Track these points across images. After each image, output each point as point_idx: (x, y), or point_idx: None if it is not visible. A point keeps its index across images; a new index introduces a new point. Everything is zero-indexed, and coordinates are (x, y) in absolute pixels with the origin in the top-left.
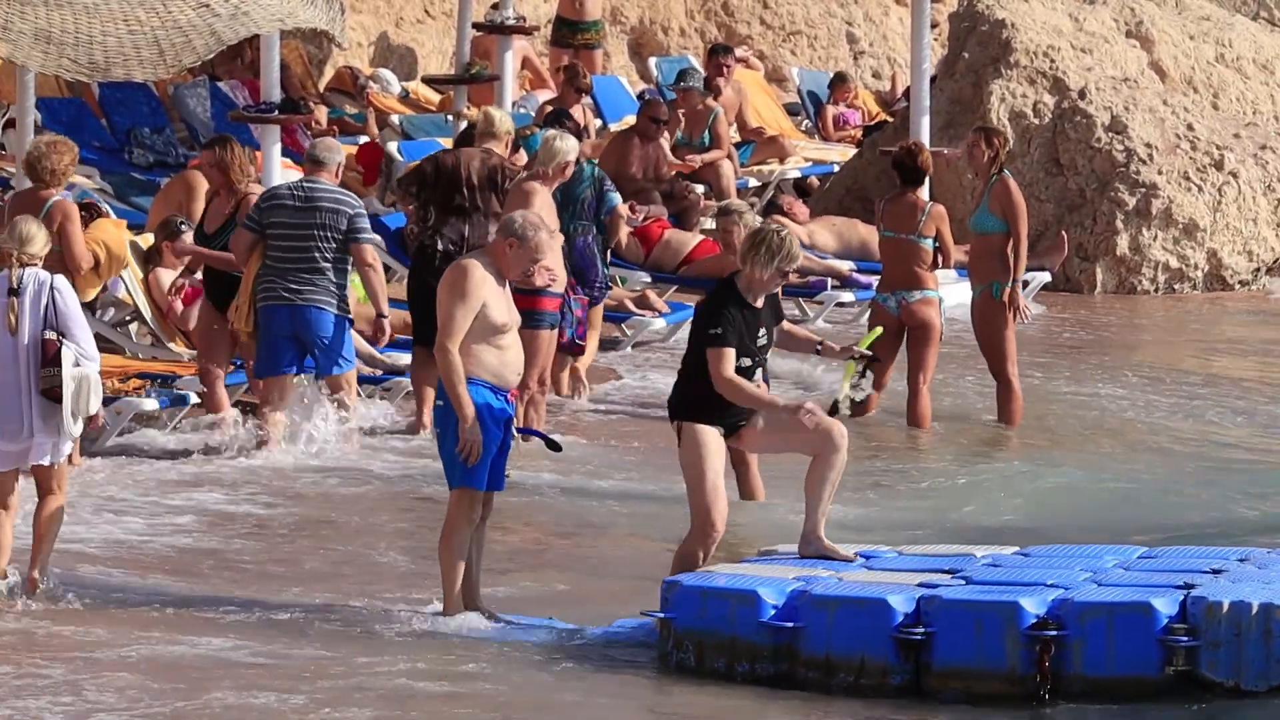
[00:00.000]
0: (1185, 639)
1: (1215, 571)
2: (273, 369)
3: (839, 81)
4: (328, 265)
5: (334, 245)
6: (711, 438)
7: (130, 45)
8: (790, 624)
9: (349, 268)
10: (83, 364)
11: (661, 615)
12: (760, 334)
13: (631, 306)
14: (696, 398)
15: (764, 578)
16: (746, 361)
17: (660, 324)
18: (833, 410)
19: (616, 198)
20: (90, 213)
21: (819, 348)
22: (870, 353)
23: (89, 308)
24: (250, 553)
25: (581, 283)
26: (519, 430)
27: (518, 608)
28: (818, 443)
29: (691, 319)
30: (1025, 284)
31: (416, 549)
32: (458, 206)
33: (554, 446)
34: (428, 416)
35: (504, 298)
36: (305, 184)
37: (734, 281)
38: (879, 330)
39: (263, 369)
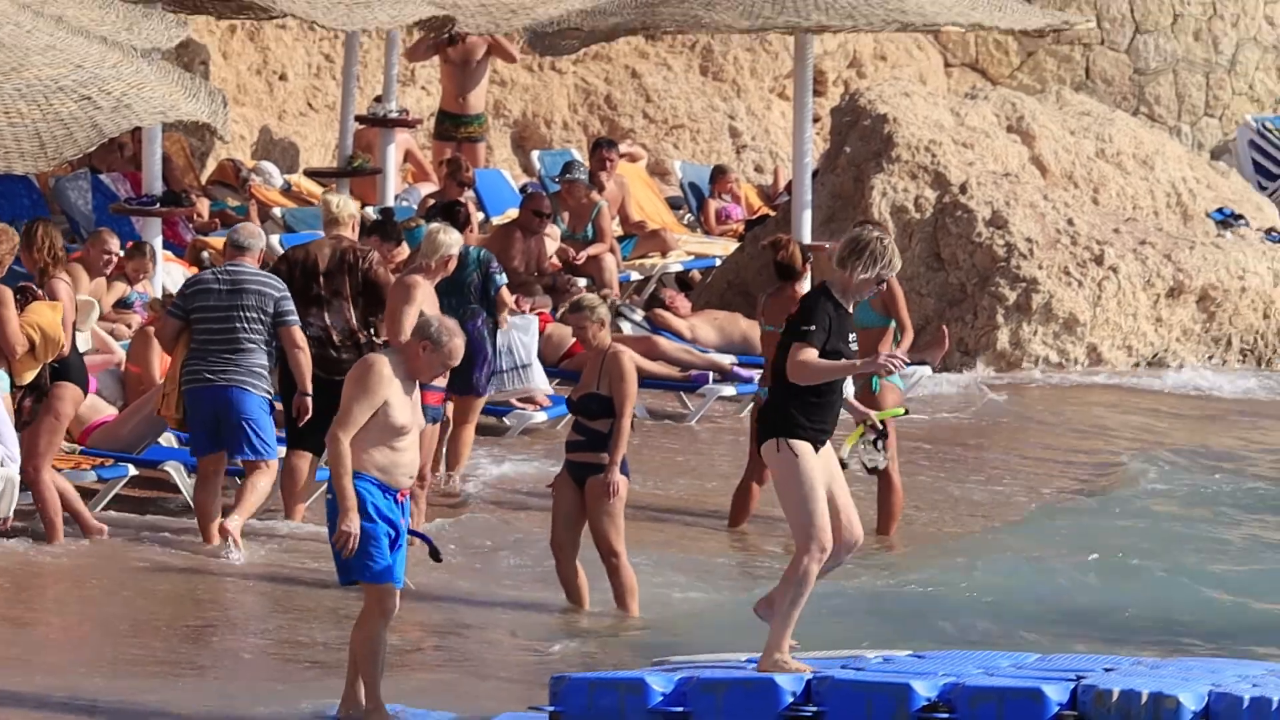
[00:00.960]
0: None
1: (1107, 670)
2: (201, 449)
3: (719, 173)
4: (253, 347)
5: (259, 328)
6: (809, 453)
7: (11, 138)
8: (679, 709)
9: (272, 351)
10: (7, 464)
11: (550, 709)
12: (851, 338)
13: (513, 400)
14: (791, 414)
15: (650, 669)
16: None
17: (541, 417)
18: (842, 466)
19: (502, 278)
20: (25, 296)
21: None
22: (882, 426)
23: None
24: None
25: (472, 366)
26: (410, 533)
27: (404, 699)
28: (796, 534)
29: (783, 331)
30: (906, 378)
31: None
32: (315, 296)
33: (436, 556)
34: (299, 510)
35: (408, 400)
36: (229, 268)
37: (828, 287)
38: (902, 410)
39: (195, 450)
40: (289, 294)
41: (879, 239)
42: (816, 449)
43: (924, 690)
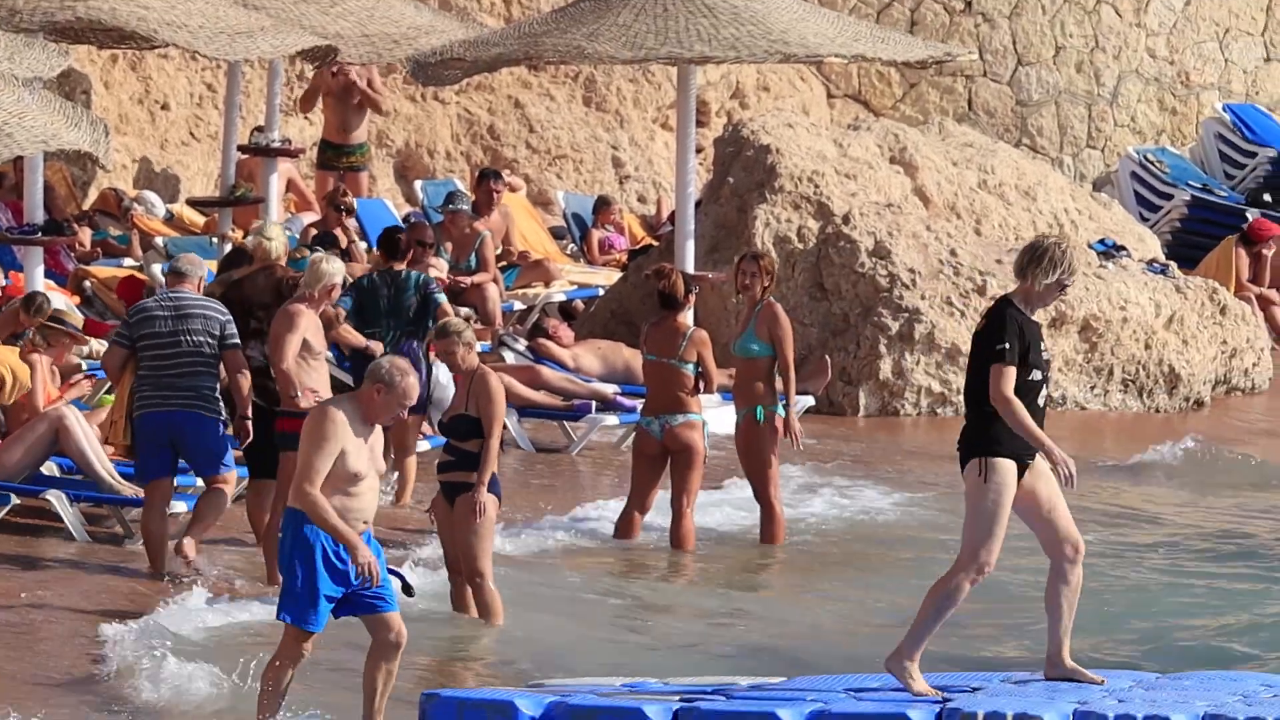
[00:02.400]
0: None
1: (975, 689)
2: (150, 475)
3: (603, 205)
4: (201, 370)
5: (205, 352)
6: (1011, 475)
7: None
8: None
9: (217, 373)
10: None
11: None
12: (1044, 346)
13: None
14: (992, 433)
15: (520, 691)
16: (1037, 375)
17: (424, 446)
18: None
19: (442, 297)
20: None
21: None
22: None
23: None
24: None
25: None
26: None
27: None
28: (1056, 544)
29: (971, 347)
30: (788, 407)
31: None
32: (254, 330)
33: (408, 591)
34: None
35: (364, 446)
36: (171, 295)
37: (1011, 300)
38: None
39: (143, 476)
40: (232, 318)
41: (1057, 244)
42: (1023, 464)
43: (790, 718)
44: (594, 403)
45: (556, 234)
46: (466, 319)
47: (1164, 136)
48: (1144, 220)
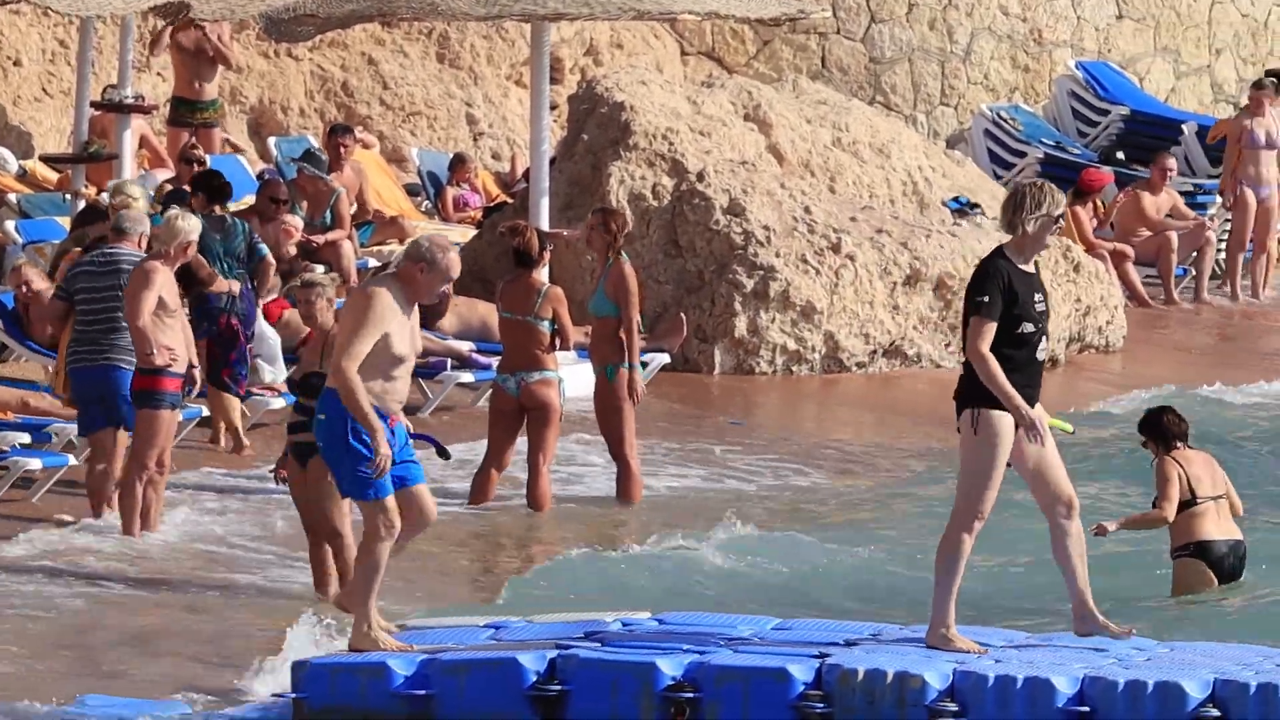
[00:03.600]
0: (820, 706)
1: (849, 643)
2: (90, 427)
3: (458, 162)
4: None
5: None
6: (1005, 425)
7: None
8: (422, 692)
9: None
10: None
11: (293, 695)
12: (1038, 298)
13: (254, 388)
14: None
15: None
16: (1029, 327)
17: (280, 403)
18: None
19: (265, 249)
20: None
21: None
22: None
23: None
24: None
25: (244, 325)
26: (413, 435)
27: (144, 690)
28: (1048, 502)
29: (964, 301)
30: (644, 365)
31: None
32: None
33: (443, 453)
34: None
35: (408, 327)
36: (107, 250)
37: (1002, 251)
38: (1070, 428)
39: (83, 429)
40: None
41: (1030, 185)
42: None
43: (669, 669)
44: (450, 360)
45: (411, 191)
46: (330, 276)
47: (1017, 94)
48: (997, 178)
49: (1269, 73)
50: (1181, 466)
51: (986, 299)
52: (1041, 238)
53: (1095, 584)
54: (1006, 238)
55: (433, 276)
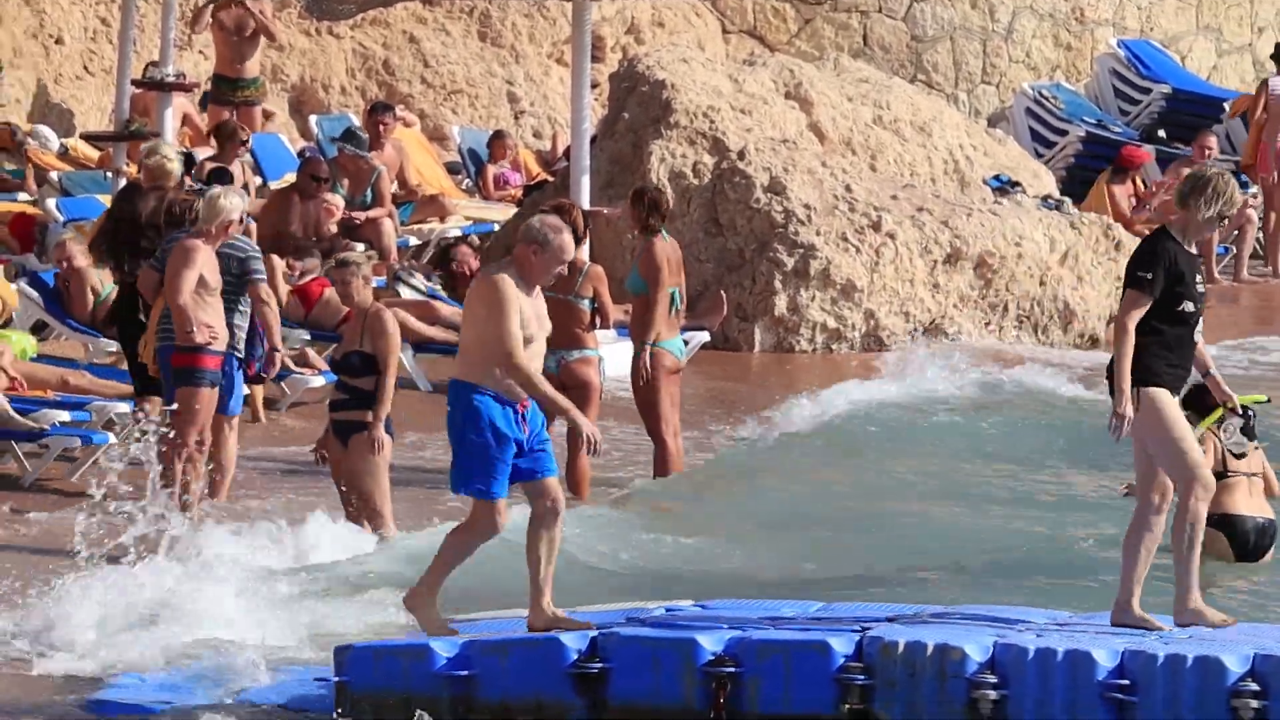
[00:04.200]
0: (861, 678)
1: (891, 619)
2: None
3: (496, 139)
4: (231, 308)
5: (227, 288)
6: (1169, 399)
7: None
8: (464, 673)
9: (242, 309)
10: None
11: (337, 679)
12: (1199, 279)
13: (290, 364)
14: (1147, 362)
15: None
16: (1190, 306)
17: (319, 382)
18: None
19: (262, 274)
20: None
21: (1208, 373)
22: (1240, 410)
23: None
24: None
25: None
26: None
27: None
28: (1145, 485)
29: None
30: (685, 343)
31: None
32: (144, 249)
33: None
34: None
35: (532, 309)
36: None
37: (1168, 231)
38: (1265, 398)
39: (168, 400)
40: (258, 253)
41: (1219, 175)
42: (1175, 392)
43: (710, 645)
44: None
45: (452, 169)
46: (367, 254)
47: (1059, 72)
48: (1039, 156)
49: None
50: (1217, 440)
51: (1150, 276)
52: (1206, 230)
53: (1103, 560)
54: (1048, 215)
55: (547, 258)
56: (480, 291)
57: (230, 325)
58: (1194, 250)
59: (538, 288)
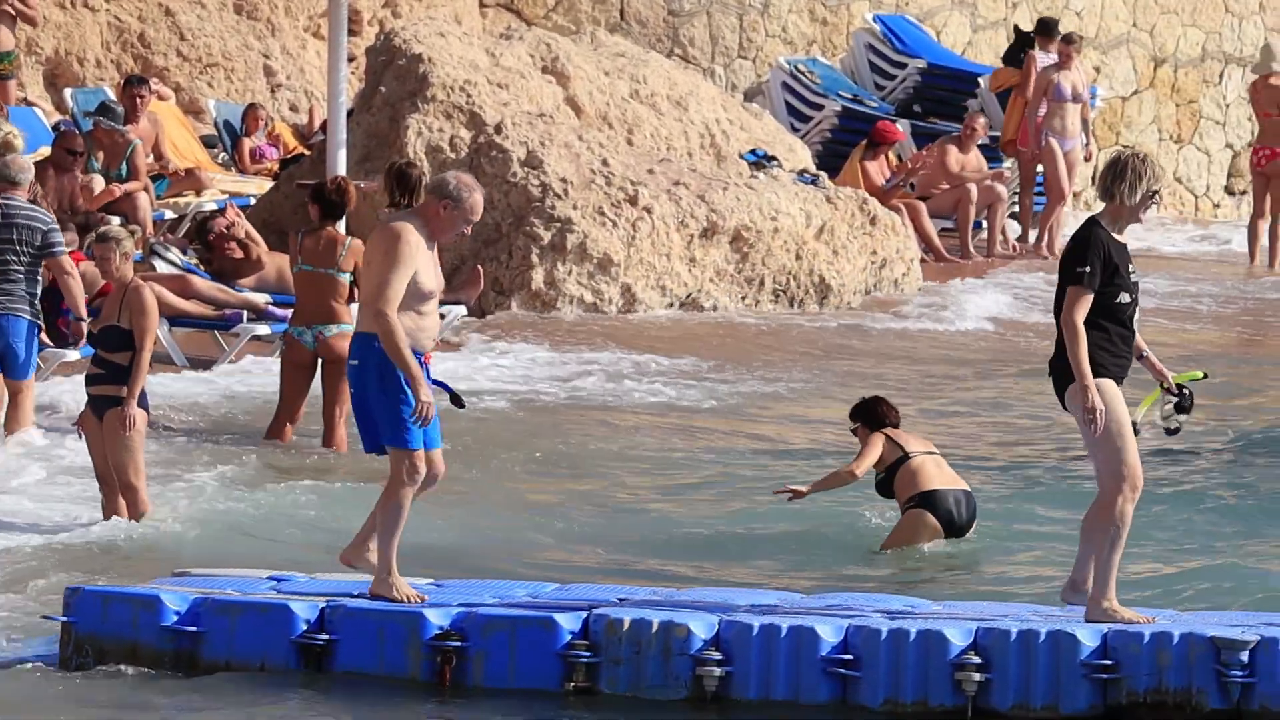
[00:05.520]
0: (586, 655)
1: (621, 600)
2: None
3: (251, 111)
4: (20, 276)
5: (28, 258)
6: (1114, 390)
7: None
8: (192, 629)
9: (36, 278)
10: None
11: (64, 619)
12: (1132, 269)
13: (45, 338)
14: (1092, 355)
15: (165, 584)
16: (1126, 297)
17: (74, 355)
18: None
19: (63, 248)
20: None
21: (1143, 354)
22: (1179, 389)
23: None
24: None
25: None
26: (431, 381)
27: None
28: (1106, 475)
29: (1059, 269)
30: (442, 317)
31: None
32: None
33: (457, 402)
34: None
35: (432, 262)
36: (0, 200)
37: (1098, 221)
38: (1200, 374)
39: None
40: (57, 227)
41: (1135, 156)
42: (1120, 383)
43: (437, 619)
44: (245, 313)
45: (208, 143)
46: (129, 230)
47: (815, 47)
48: (795, 130)
49: (1042, 25)
50: (888, 435)
51: (1088, 269)
52: (1138, 211)
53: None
54: (805, 189)
55: (456, 214)
56: (379, 240)
57: (28, 294)
58: (1124, 239)
59: (435, 244)
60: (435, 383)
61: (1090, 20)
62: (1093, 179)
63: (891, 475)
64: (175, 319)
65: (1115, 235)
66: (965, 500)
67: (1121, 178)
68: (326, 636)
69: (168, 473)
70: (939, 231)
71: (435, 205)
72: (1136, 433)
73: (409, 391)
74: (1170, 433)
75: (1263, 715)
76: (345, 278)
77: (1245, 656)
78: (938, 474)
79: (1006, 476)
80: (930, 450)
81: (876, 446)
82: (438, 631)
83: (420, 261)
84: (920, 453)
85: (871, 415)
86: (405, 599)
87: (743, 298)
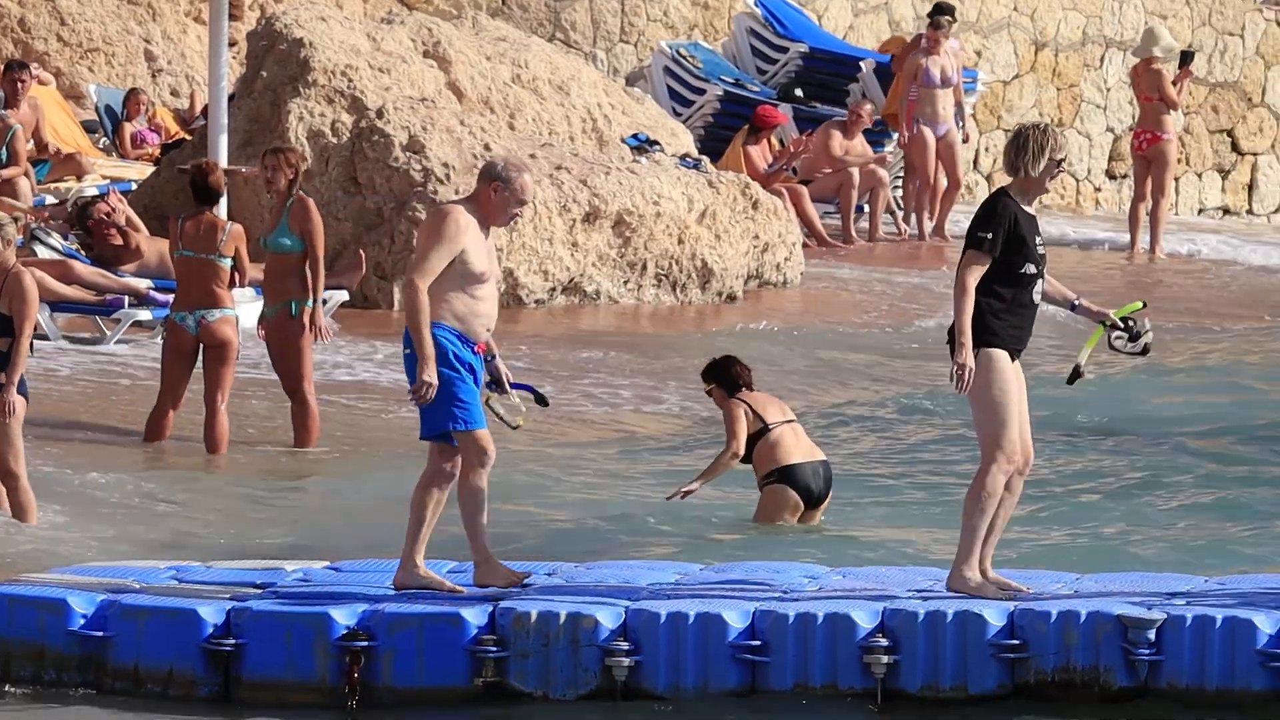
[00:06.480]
0: (494, 649)
1: (524, 586)
2: None
3: (132, 95)
4: None
5: None
6: (1006, 362)
7: None
8: (99, 633)
9: None
10: None
11: None
12: (1039, 241)
13: None
14: (984, 321)
15: (76, 587)
16: (1031, 269)
17: None
18: (1074, 375)
19: None
20: None
21: (1076, 304)
22: (1122, 322)
23: None
24: None
25: None
26: (511, 385)
27: None
28: (985, 444)
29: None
30: (325, 302)
31: None
32: None
33: (542, 401)
34: None
35: (485, 246)
36: None
37: (1007, 191)
38: (1140, 304)
39: None
40: None
41: (1035, 127)
42: (1013, 358)
43: (343, 619)
44: (127, 298)
45: (89, 128)
46: (13, 216)
47: (697, 31)
48: (677, 115)
49: (938, 8)
50: (747, 404)
51: (990, 236)
52: (1044, 181)
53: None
54: (687, 174)
55: (507, 196)
56: (426, 219)
57: None
58: (1032, 211)
59: (491, 228)
60: (518, 386)
61: (971, 4)
62: (974, 163)
63: (750, 447)
64: (57, 304)
65: (1025, 207)
66: (822, 470)
67: (1024, 150)
68: (234, 641)
69: (46, 460)
70: (821, 216)
71: (486, 189)
72: (1079, 375)
73: (460, 369)
74: (1143, 353)
75: (1170, 693)
76: (226, 263)
77: (1152, 635)
78: (796, 446)
79: (861, 444)
80: (789, 418)
81: (741, 419)
82: (345, 631)
83: (470, 243)
84: (779, 422)
85: (726, 376)
86: (508, 583)
87: (625, 282)
